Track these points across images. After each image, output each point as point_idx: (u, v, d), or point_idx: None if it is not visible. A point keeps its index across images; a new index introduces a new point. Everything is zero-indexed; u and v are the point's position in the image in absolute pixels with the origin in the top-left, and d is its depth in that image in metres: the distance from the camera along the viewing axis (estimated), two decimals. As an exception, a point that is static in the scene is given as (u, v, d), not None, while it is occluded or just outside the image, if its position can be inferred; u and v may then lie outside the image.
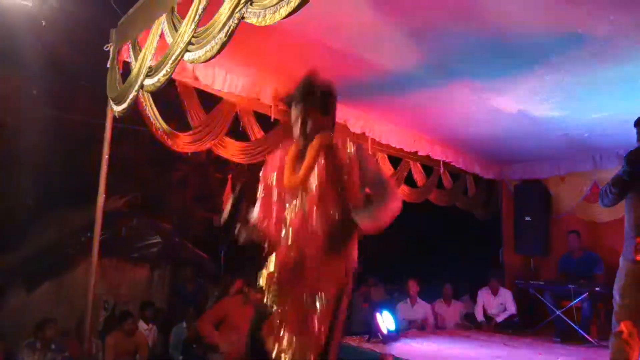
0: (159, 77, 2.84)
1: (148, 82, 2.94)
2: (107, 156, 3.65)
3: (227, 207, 2.01)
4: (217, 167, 8.37)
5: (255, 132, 4.46)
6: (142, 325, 6.09)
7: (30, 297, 6.14)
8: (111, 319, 6.22)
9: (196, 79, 4.01)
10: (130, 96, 3.11)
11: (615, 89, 4.21)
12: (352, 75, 4.24)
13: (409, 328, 5.86)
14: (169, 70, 2.75)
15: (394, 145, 5.59)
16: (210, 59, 2.54)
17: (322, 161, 1.95)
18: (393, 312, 5.11)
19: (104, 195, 3.69)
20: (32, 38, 6.57)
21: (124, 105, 3.22)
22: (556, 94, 4.36)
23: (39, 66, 6.88)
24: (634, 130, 4.23)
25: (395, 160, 5.89)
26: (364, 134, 5.21)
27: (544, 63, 3.77)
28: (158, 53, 3.07)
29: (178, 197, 8.18)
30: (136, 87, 3.03)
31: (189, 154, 6.88)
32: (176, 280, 7.21)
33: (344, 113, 4.98)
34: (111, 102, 3.49)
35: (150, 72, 2.94)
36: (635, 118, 3.00)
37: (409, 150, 5.77)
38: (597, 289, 5.39)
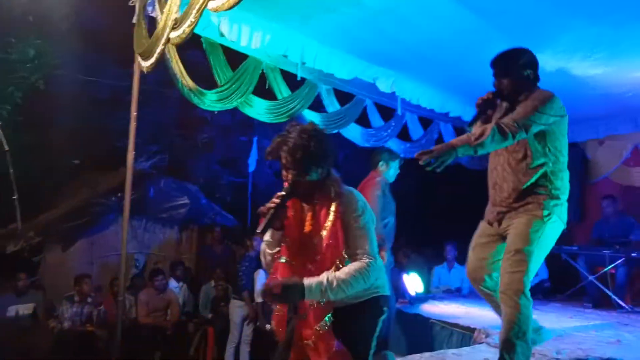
0: (184, 29, 2.76)
1: (174, 34, 2.88)
2: (135, 113, 3.64)
3: (275, 202, 1.90)
4: (242, 131, 8.36)
5: (282, 90, 4.37)
6: (172, 283, 6.26)
7: (66, 254, 6.35)
8: (141, 277, 6.40)
9: (222, 35, 3.91)
10: (158, 50, 3.06)
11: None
12: (383, 30, 4.08)
13: (442, 292, 5.84)
14: (193, 20, 2.67)
15: (424, 106, 5.42)
16: (233, 5, 2.44)
17: (331, 218, 1.89)
18: (425, 274, 5.08)
19: (133, 153, 3.67)
20: (60, 3, 6.55)
21: (152, 60, 3.17)
22: (599, 50, 4.10)
23: (67, 30, 6.89)
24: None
25: (426, 121, 5.73)
26: (393, 93, 5.06)
27: (588, 13, 3.52)
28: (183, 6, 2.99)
29: (203, 161, 8.22)
30: (162, 41, 2.97)
31: (215, 113, 6.86)
32: (203, 242, 7.35)
33: (372, 71, 4.83)
34: (139, 58, 3.45)
35: (176, 25, 2.87)
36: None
37: (439, 112, 5.59)
38: (633, 254, 5.23)
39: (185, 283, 6.54)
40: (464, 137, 2.18)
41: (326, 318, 1.86)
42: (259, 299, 5.56)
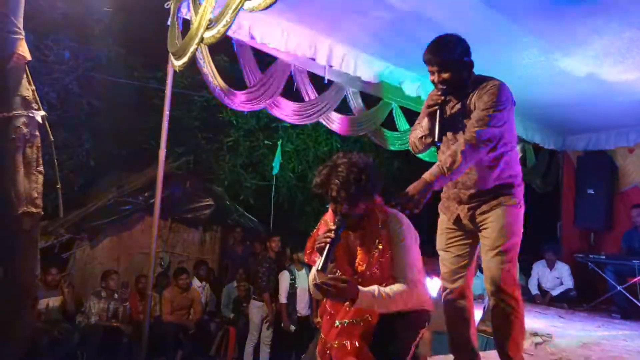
0: (219, 29, 2.84)
1: (208, 34, 2.95)
2: (167, 112, 3.73)
3: (326, 250, 1.89)
4: (267, 134, 8.45)
5: (309, 92, 4.42)
6: (195, 282, 6.35)
7: (94, 251, 6.50)
8: (165, 276, 6.50)
9: (252, 37, 3.99)
10: (191, 49, 3.14)
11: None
12: (410, 33, 4.09)
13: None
14: (228, 20, 2.74)
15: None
16: (270, 5, 2.50)
17: (381, 246, 1.94)
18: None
19: (165, 151, 3.76)
20: (95, 6, 6.76)
21: (184, 59, 3.26)
22: (633, 54, 4.03)
23: (100, 32, 7.11)
24: None
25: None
26: (419, 97, 5.06)
27: (623, 17, 3.48)
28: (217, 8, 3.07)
29: (228, 163, 8.33)
30: (196, 40, 3.05)
31: (246, 114, 6.82)
32: (227, 242, 7.43)
33: (399, 74, 4.85)
34: (171, 57, 3.55)
35: (210, 25, 2.95)
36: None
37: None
38: (664, 264, 5.11)
39: (208, 283, 6.63)
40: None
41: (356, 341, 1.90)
42: (283, 300, 5.60)
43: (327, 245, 1.87)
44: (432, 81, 2.29)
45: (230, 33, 3.86)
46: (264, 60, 4.30)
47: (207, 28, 2.98)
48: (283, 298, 5.59)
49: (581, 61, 4.27)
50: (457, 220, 2.35)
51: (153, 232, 4.17)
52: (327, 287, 1.78)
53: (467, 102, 2.23)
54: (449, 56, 2.21)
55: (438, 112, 2.20)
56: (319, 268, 1.88)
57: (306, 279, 5.79)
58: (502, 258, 2.17)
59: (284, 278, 5.65)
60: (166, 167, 6.93)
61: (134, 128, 7.57)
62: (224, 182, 8.10)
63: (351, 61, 4.46)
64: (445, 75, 2.21)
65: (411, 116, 5.35)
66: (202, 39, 3.01)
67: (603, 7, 3.35)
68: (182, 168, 7.61)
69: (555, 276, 6.08)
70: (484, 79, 2.25)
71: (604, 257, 5.70)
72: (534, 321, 4.61)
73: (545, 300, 5.93)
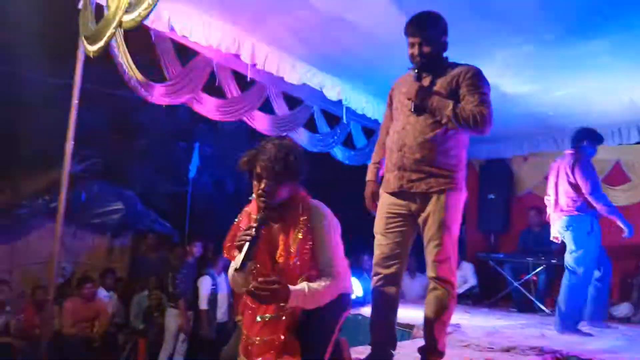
0: (140, 12, 2.71)
1: (127, 17, 2.80)
2: (76, 101, 3.47)
3: (245, 249, 1.86)
4: (182, 137, 8.18)
5: (232, 89, 4.36)
6: (102, 292, 5.93)
7: (-19, 259, 5.83)
8: (67, 286, 5.98)
9: (172, 29, 3.86)
10: (108, 34, 2.96)
11: (584, 65, 4.38)
12: (333, 37, 4.22)
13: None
14: (150, 2, 2.63)
15: (368, 117, 5.61)
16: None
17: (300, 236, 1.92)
18: (362, 279, 5.19)
19: (72, 144, 3.49)
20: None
21: (100, 43, 3.06)
22: (529, 68, 4.49)
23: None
24: (594, 110, 4.45)
25: (369, 131, 5.92)
26: (339, 101, 5.20)
27: (524, 31, 3.84)
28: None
29: (141, 167, 7.91)
30: (114, 24, 2.88)
31: (163, 106, 6.51)
32: (138, 249, 7.03)
33: (320, 78, 4.96)
34: (85, 43, 3.31)
35: (130, 8, 2.81)
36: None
37: (381, 123, 5.81)
38: (553, 261, 5.67)
39: (117, 292, 6.21)
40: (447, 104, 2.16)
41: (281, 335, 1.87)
42: (204, 306, 5.39)
43: (247, 244, 1.84)
44: (411, 54, 2.31)
45: (148, 23, 3.72)
46: (186, 53, 4.17)
47: (126, 11, 2.83)
48: (204, 304, 5.38)
49: (486, 71, 4.65)
50: (399, 194, 2.31)
51: (55, 239, 3.82)
52: (259, 291, 1.74)
53: (440, 82, 2.27)
54: (432, 30, 2.28)
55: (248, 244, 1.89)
56: (237, 267, 1.86)
57: (226, 285, 5.65)
58: (441, 245, 2.21)
59: (205, 283, 5.46)
60: (71, 169, 6.45)
61: (35, 126, 6.93)
62: (136, 186, 7.67)
63: (274, 61, 4.48)
64: (426, 49, 2.26)
65: (331, 120, 5.50)
66: (120, 23, 2.85)
67: (508, 21, 3.70)
68: (89, 171, 7.09)
69: (461, 275, 6.48)
70: (458, 64, 2.33)
71: (502, 255, 6.22)
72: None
73: (452, 297, 6.29)
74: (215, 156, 8.36)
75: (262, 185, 1.90)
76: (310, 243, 1.93)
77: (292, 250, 1.92)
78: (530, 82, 4.78)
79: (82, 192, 6.52)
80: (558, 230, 4.04)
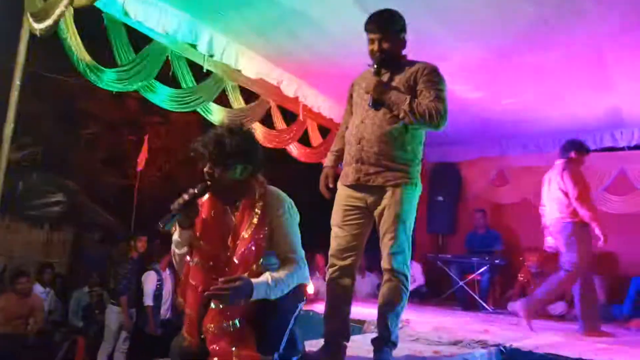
0: (94, -10, 2.58)
1: (79, -5, 2.67)
2: (18, 82, 3.25)
3: (184, 198, 1.86)
4: (132, 130, 7.88)
5: (187, 80, 4.24)
6: (38, 288, 5.62)
7: None
8: (0, 281, 5.61)
9: (126, 14, 3.71)
10: (57, 12, 2.79)
11: (532, 74, 4.60)
12: (293, 32, 4.19)
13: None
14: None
15: (324, 115, 5.63)
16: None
17: (255, 220, 1.90)
18: (314, 277, 5.19)
19: (12, 126, 3.27)
20: None
21: (49, 22, 2.88)
22: (481, 74, 4.66)
23: None
24: (540, 118, 4.64)
25: (325, 130, 5.94)
26: (296, 98, 5.18)
27: (478, 38, 3.99)
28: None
29: (86, 158, 7.55)
30: (65, 2, 2.72)
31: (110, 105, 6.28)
32: (79, 243, 6.69)
33: (278, 74, 4.92)
34: (30, 20, 3.10)
35: (83, -15, 2.67)
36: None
37: (338, 122, 5.84)
38: (496, 261, 5.93)
39: (54, 289, 5.89)
40: (403, 100, 2.20)
41: (236, 321, 1.83)
42: (150, 302, 5.20)
43: (178, 205, 1.84)
44: (371, 50, 2.35)
45: (101, 6, 3.56)
46: (139, 40, 4.01)
47: (78, -12, 2.69)
48: (149, 300, 5.19)
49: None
50: (356, 187, 2.33)
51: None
52: (221, 291, 1.70)
53: (399, 78, 2.31)
54: (392, 27, 2.33)
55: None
56: (160, 223, 1.82)
57: (171, 281, 5.48)
58: (396, 238, 2.25)
59: (150, 279, 5.26)
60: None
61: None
62: (79, 178, 7.30)
63: (232, 53, 4.40)
64: (385, 46, 2.30)
65: (288, 116, 5.47)
66: (71, 1, 2.70)
67: (463, 28, 3.82)
68: (27, 159, 6.68)
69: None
70: (416, 61, 2.37)
71: (450, 256, 6.43)
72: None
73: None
74: (164, 149, 8.12)
75: (206, 168, 1.89)
76: (266, 229, 1.90)
77: (245, 236, 1.87)
78: (479, 89, 4.97)
79: (18, 181, 6.10)
80: (552, 236, 4.17)
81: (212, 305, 1.87)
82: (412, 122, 2.24)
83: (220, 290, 1.69)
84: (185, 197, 1.85)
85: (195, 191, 1.88)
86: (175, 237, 1.99)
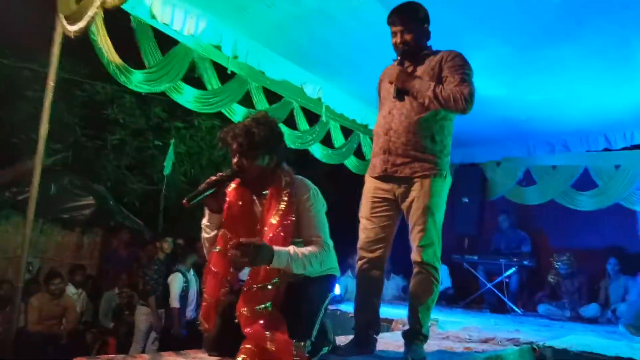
0: (125, -9, 2.66)
1: (111, -4, 2.75)
2: (52, 84, 3.36)
3: (212, 179, 1.92)
4: (157, 134, 8.03)
5: (212, 81, 4.32)
6: (70, 289, 5.74)
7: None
8: (34, 282, 5.75)
9: (153, 16, 3.80)
10: (90, 13, 2.88)
11: (557, 70, 4.51)
12: (315, 32, 4.22)
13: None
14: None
15: (347, 116, 5.64)
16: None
17: (282, 206, 1.92)
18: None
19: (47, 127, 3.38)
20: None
21: (81, 24, 2.98)
22: (505, 71, 4.59)
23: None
24: (566, 115, 4.47)
25: (347, 131, 5.95)
26: (319, 99, 5.21)
27: (500, 33, 3.93)
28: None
29: (113, 163, 7.73)
30: (97, 4, 2.82)
31: (136, 112, 6.41)
32: (109, 246, 6.83)
33: (301, 75, 4.95)
34: (64, 23, 3.21)
35: (113, -13, 2.76)
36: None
37: (360, 123, 5.84)
38: (525, 262, 5.81)
39: (85, 290, 6.01)
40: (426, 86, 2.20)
41: (268, 304, 1.85)
42: (176, 304, 5.26)
43: (206, 185, 1.88)
44: (394, 43, 2.35)
45: (129, 9, 3.66)
46: (166, 41, 4.11)
47: (110, -10, 2.78)
48: (175, 302, 5.24)
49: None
50: (383, 178, 2.32)
51: (26, 232, 3.68)
52: (241, 250, 1.70)
53: (423, 68, 2.31)
54: (414, 18, 2.33)
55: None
56: (186, 200, 1.86)
57: (196, 282, 5.54)
58: (425, 230, 2.23)
59: (176, 281, 5.32)
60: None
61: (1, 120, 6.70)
62: (107, 182, 7.47)
63: (256, 55, 4.45)
64: (407, 37, 2.30)
65: (311, 117, 5.50)
66: (104, 2, 2.79)
67: (486, 22, 3.78)
68: (59, 164, 6.88)
69: (436, 276, 6.57)
70: (440, 51, 2.36)
71: (476, 257, 6.32)
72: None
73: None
74: (189, 154, 8.24)
75: (235, 160, 1.93)
76: (293, 216, 1.92)
77: (273, 222, 1.90)
78: (504, 85, 4.89)
79: (51, 184, 6.28)
80: None
81: (245, 288, 1.87)
82: (437, 108, 2.23)
83: (239, 248, 1.70)
84: (214, 177, 1.90)
85: (224, 174, 1.92)
86: (205, 221, 2.02)
